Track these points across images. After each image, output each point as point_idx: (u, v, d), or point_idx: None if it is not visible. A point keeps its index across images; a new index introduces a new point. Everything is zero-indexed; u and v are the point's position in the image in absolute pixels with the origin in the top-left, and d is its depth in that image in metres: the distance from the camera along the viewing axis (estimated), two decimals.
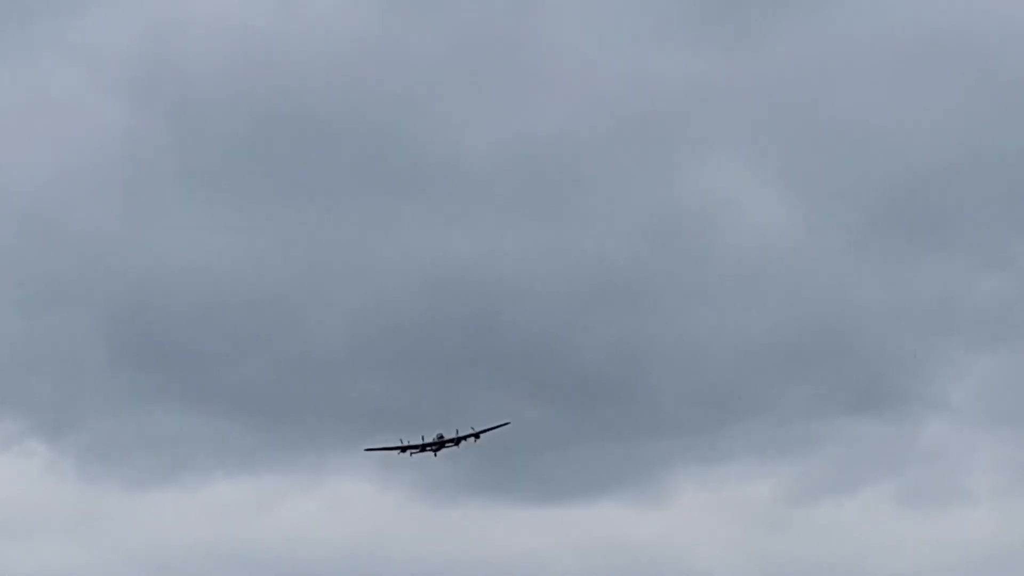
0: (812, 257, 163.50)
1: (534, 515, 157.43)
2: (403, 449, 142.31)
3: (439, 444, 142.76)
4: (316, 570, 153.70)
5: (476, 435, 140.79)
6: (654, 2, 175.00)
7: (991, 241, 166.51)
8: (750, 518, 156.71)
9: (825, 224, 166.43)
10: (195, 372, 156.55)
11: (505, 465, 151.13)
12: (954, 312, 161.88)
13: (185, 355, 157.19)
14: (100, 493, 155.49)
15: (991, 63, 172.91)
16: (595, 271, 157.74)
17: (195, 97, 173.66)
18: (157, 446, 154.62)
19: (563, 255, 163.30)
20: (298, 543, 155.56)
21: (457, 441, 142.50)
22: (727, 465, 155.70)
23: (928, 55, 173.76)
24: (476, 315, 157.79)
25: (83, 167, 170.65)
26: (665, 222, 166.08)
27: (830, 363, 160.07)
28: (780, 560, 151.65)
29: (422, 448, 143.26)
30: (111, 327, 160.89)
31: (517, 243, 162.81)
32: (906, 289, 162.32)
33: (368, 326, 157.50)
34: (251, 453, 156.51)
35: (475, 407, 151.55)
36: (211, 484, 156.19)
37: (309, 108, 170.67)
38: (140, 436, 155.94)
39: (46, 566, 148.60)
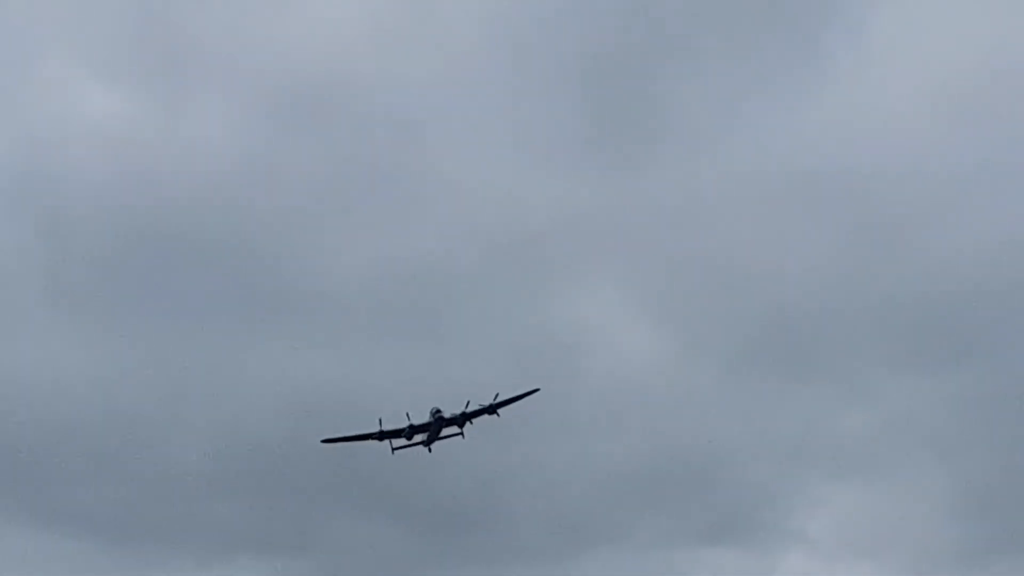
0: (678, 387, 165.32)
1: None
2: (380, 437, 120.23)
3: (433, 426, 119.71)
4: None
5: (494, 408, 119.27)
6: (530, 130, 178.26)
7: (853, 375, 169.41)
8: None
9: (692, 355, 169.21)
10: (50, 490, 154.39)
11: None
12: (815, 444, 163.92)
13: (40, 472, 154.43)
14: None
15: (858, 203, 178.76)
16: (463, 396, 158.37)
17: (67, 210, 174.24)
18: (6, 567, 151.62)
19: (430, 380, 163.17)
20: None
21: (463, 421, 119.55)
22: None
23: (798, 193, 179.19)
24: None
25: None
26: (535, 348, 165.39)
27: (691, 493, 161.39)
28: None
29: (409, 435, 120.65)
30: None
31: (385, 366, 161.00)
32: (769, 421, 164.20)
33: (230, 447, 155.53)
34: (106, 574, 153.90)
35: (335, 531, 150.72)
36: None
37: (182, 226, 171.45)
38: None
39: None
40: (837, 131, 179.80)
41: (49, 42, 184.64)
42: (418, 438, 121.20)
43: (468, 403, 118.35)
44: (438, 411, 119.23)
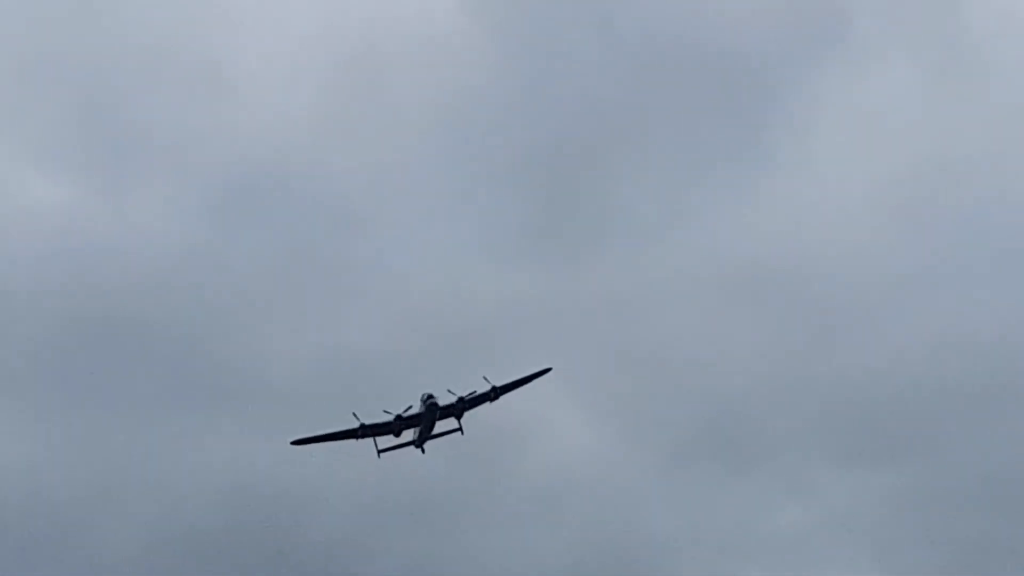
0: (618, 479, 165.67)
1: None
2: (361, 434, 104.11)
3: (425, 417, 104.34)
4: None
5: (497, 392, 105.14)
6: (475, 220, 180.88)
7: (792, 470, 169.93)
8: None
9: (633, 447, 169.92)
10: None
11: None
12: (752, 539, 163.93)
13: None
14: None
15: (800, 297, 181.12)
16: (393, 488, 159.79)
17: (7, 295, 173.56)
18: None
19: (376, 464, 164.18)
20: None
21: (461, 410, 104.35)
22: None
23: (741, 286, 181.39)
24: (276, 527, 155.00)
25: None
26: (472, 438, 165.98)
27: None
28: None
29: (397, 430, 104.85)
30: None
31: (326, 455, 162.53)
32: (707, 514, 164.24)
33: (164, 537, 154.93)
34: None
35: None
36: None
37: (123, 313, 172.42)
38: None
39: None
40: (780, 225, 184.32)
41: None
42: (407, 436, 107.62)
43: (462, 398, 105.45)
44: (430, 397, 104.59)
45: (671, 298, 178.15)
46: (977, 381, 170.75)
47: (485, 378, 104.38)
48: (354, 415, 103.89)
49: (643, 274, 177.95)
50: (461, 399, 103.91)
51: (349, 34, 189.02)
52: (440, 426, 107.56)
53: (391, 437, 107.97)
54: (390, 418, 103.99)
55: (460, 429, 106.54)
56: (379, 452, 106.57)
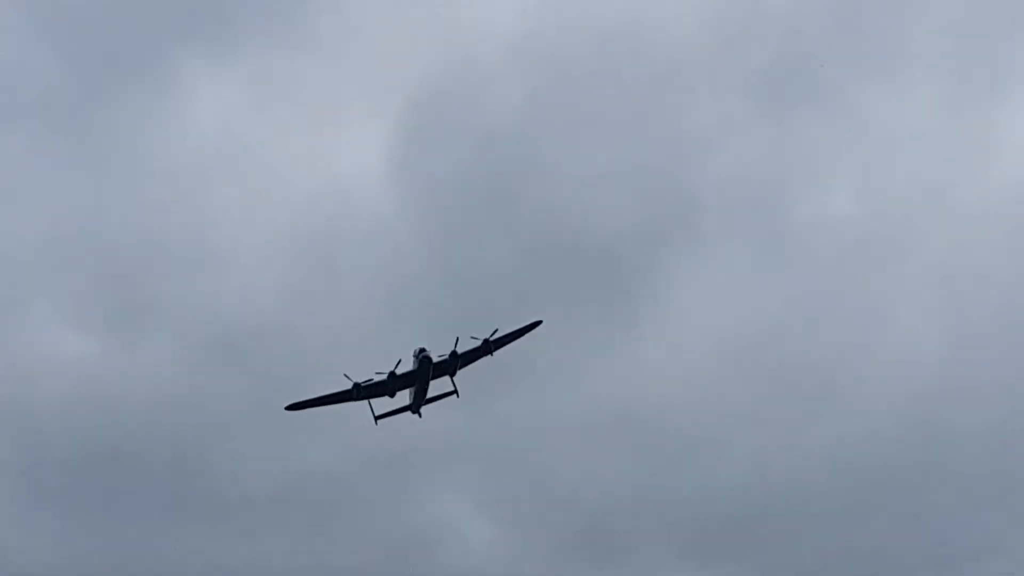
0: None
1: None
2: (356, 395, 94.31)
3: (419, 373, 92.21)
4: None
5: (490, 345, 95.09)
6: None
7: (651, 567, 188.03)
8: None
9: (522, 550, 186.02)
10: None
11: None
12: None
13: None
14: None
15: (657, 428, 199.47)
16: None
17: (40, 427, 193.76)
18: None
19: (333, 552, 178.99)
20: None
21: (455, 365, 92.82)
22: None
23: (610, 424, 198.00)
24: None
25: None
26: (386, 542, 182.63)
27: None
28: None
29: (391, 390, 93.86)
30: None
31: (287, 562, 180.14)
32: None
33: None
34: None
35: None
36: None
37: (133, 438, 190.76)
38: None
39: None
40: (644, 373, 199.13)
41: (33, 292, 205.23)
42: (403, 399, 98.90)
43: (458, 340, 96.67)
44: (423, 351, 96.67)
45: (556, 434, 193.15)
46: (795, 494, 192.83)
47: (473, 337, 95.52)
48: (346, 376, 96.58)
49: (538, 414, 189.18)
50: (454, 353, 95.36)
51: (308, 224, 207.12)
52: (435, 388, 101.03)
53: (387, 402, 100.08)
54: (383, 377, 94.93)
55: (455, 391, 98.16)
56: (376, 419, 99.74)
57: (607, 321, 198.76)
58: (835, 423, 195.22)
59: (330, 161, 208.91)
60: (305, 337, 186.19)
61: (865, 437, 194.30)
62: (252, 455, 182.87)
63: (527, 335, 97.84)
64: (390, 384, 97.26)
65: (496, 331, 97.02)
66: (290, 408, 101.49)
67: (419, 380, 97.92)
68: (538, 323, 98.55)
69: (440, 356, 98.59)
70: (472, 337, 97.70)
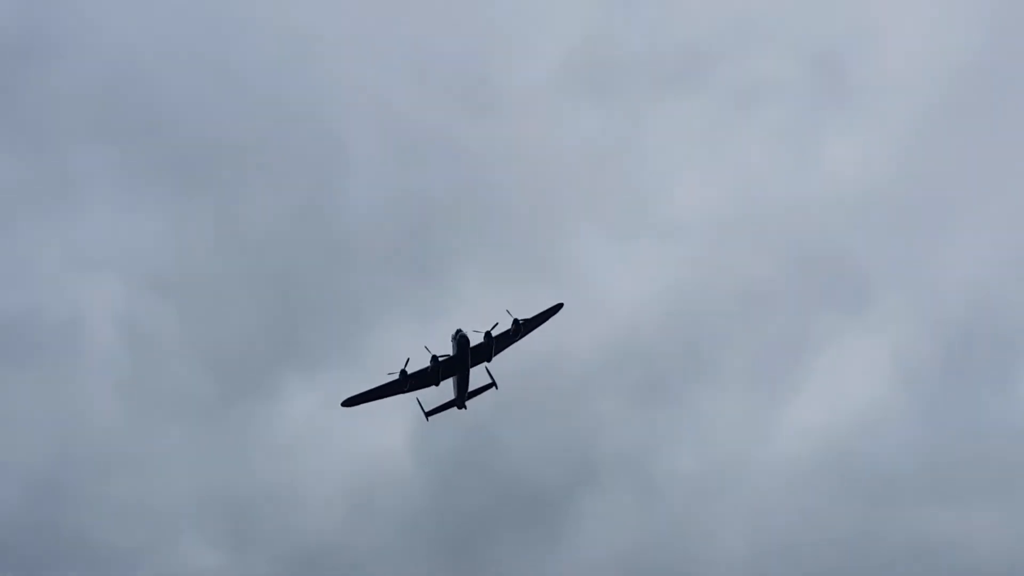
0: None
1: None
2: (405, 385, 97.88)
3: (458, 358, 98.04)
4: None
5: (520, 328, 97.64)
6: None
7: None
8: None
9: None
10: None
11: None
12: None
13: None
14: None
15: None
16: None
17: None
18: None
19: None
20: None
21: (490, 348, 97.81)
22: None
23: None
24: None
25: None
26: None
27: None
28: None
29: (435, 377, 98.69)
30: None
31: None
32: None
33: None
34: None
35: None
36: None
37: None
38: None
39: None
40: None
41: None
42: (447, 391, 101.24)
43: (496, 325, 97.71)
44: (460, 331, 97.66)
45: None
46: None
47: (508, 311, 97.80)
48: (389, 374, 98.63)
49: None
50: (488, 334, 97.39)
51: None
52: (475, 381, 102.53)
53: (434, 397, 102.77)
54: (427, 365, 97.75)
55: (493, 383, 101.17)
56: (427, 415, 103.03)
57: None
58: None
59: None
60: None
61: None
62: None
63: (550, 319, 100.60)
64: (433, 370, 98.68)
65: (517, 317, 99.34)
66: (347, 404, 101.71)
67: (459, 365, 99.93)
68: (559, 306, 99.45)
69: (476, 340, 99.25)
70: (507, 311, 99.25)
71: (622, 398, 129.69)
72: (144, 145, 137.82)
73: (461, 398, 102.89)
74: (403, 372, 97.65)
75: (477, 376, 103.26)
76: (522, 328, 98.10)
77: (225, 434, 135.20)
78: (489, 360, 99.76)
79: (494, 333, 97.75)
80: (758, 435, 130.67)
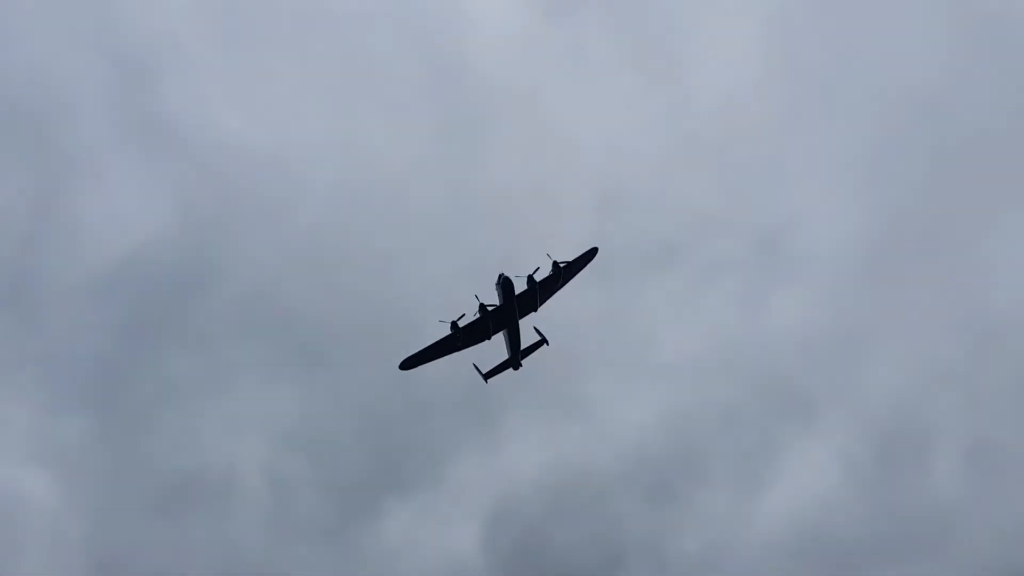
0: None
1: None
2: (459, 340, 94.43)
3: (505, 306, 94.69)
4: None
5: (560, 272, 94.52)
6: None
7: None
8: None
9: None
10: None
11: None
12: None
13: None
14: None
15: None
16: None
17: None
18: None
19: None
20: None
21: (533, 294, 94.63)
22: None
23: None
24: None
25: None
26: None
27: None
28: None
29: (486, 328, 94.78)
30: None
31: None
32: None
33: None
34: None
35: None
36: None
37: None
38: None
39: None
40: None
41: None
42: (499, 348, 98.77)
43: (537, 269, 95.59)
44: (503, 275, 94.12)
45: None
46: None
47: (548, 255, 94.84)
48: (441, 321, 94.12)
49: None
50: (531, 278, 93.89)
51: None
52: (526, 338, 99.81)
53: (487, 354, 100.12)
54: (476, 313, 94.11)
55: (544, 340, 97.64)
56: (485, 378, 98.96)
57: None
58: None
59: None
60: None
61: None
62: None
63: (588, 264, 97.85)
64: (483, 319, 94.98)
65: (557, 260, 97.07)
66: (403, 367, 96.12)
67: (507, 315, 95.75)
68: (595, 250, 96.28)
69: (521, 286, 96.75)
70: (547, 254, 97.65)
71: (635, 496, 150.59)
72: (280, 339, 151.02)
73: (515, 356, 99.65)
74: (454, 324, 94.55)
75: (526, 333, 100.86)
76: (562, 273, 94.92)
77: (344, 547, 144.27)
78: (535, 310, 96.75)
79: (537, 278, 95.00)
80: (740, 521, 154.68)
